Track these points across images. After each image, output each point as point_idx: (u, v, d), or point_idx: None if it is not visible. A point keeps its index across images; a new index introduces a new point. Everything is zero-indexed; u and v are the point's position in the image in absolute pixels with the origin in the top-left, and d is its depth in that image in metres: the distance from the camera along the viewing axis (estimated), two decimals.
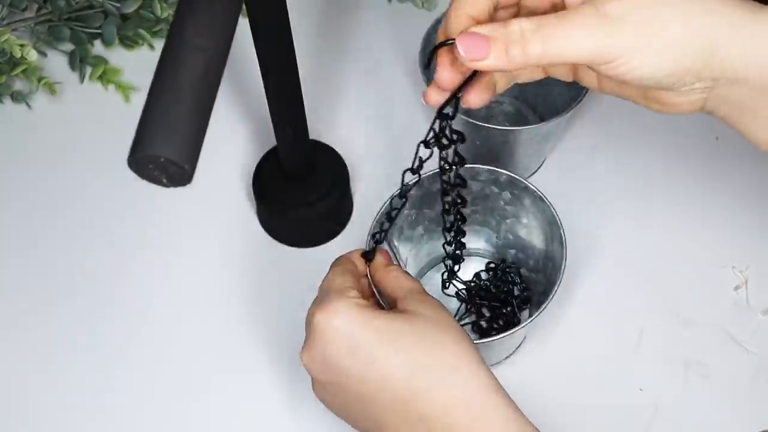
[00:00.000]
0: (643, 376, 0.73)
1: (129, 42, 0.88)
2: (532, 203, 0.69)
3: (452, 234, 0.63)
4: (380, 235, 0.62)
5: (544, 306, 0.64)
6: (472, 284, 0.76)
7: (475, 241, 0.75)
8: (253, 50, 0.63)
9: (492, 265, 0.76)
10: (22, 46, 0.83)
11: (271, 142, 0.75)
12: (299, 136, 0.71)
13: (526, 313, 0.74)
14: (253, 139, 0.83)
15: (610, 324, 0.75)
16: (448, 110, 0.52)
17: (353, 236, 0.79)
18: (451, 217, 0.61)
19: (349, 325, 0.53)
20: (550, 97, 0.81)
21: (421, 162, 0.55)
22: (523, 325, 0.65)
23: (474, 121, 0.72)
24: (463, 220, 0.62)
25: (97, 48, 0.89)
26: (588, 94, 0.73)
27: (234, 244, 0.79)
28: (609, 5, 0.46)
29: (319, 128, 0.83)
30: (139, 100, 0.84)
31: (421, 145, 0.54)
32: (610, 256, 0.77)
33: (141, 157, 0.37)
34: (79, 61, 0.86)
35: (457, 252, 0.65)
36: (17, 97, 0.85)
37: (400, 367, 0.52)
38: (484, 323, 0.75)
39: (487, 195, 0.71)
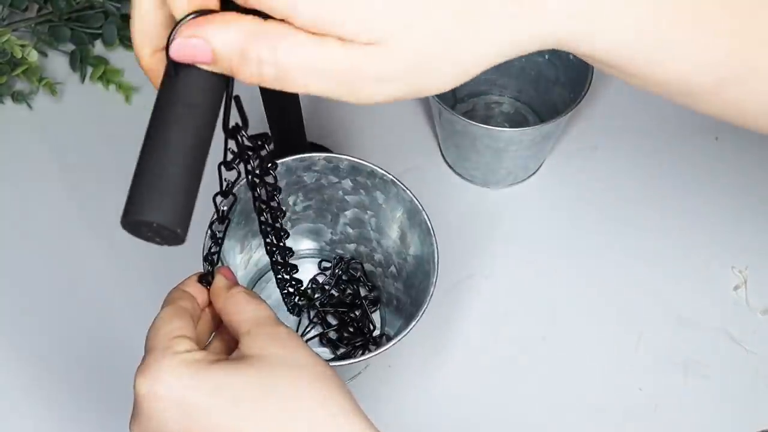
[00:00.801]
0: (643, 376, 0.73)
1: (129, 42, 0.88)
2: (383, 190, 0.62)
3: (273, 240, 0.55)
4: (213, 257, 0.54)
5: (421, 313, 0.58)
6: (310, 290, 0.69)
7: (304, 241, 0.69)
8: None
9: (327, 265, 0.70)
10: (22, 46, 0.83)
11: None
12: (297, 139, 0.71)
13: (377, 314, 0.69)
14: None
15: (611, 324, 0.75)
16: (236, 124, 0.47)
17: None
18: (268, 220, 0.54)
19: (177, 390, 0.45)
20: (550, 98, 0.81)
21: (230, 184, 0.49)
22: (399, 337, 0.58)
23: (474, 122, 0.72)
24: (278, 229, 0.55)
25: (98, 48, 0.89)
26: (588, 94, 0.73)
27: None
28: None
29: (318, 131, 0.83)
30: (140, 100, 0.85)
31: (223, 167, 0.48)
32: (610, 256, 0.77)
33: (132, 221, 0.38)
34: (79, 61, 0.87)
35: (285, 259, 0.58)
36: (18, 98, 0.85)
37: (241, 426, 0.44)
38: (333, 333, 0.70)
39: (323, 186, 0.64)
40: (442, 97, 0.73)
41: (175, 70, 0.39)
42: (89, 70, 0.86)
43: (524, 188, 0.81)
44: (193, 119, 0.39)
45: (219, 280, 0.52)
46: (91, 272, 0.78)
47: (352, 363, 0.59)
